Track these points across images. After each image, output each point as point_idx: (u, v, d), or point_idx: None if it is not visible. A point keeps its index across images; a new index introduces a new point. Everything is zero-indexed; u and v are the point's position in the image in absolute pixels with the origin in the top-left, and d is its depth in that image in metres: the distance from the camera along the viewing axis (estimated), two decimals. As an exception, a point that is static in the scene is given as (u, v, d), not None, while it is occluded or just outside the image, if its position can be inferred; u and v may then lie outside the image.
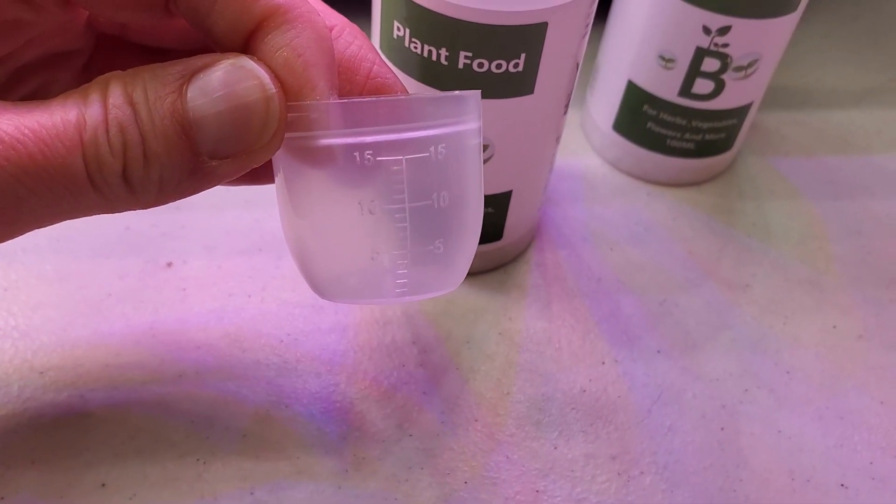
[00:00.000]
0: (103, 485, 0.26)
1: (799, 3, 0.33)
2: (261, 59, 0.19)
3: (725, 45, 0.33)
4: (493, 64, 0.26)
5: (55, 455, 0.27)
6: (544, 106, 0.28)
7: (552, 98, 0.28)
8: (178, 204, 0.34)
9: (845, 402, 0.31)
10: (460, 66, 0.26)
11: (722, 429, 0.30)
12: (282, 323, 0.31)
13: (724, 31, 0.33)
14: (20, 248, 0.32)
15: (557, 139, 0.31)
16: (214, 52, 0.20)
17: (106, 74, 0.19)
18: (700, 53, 0.34)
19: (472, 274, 0.34)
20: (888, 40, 0.50)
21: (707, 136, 0.37)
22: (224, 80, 0.19)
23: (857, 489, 0.29)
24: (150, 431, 0.27)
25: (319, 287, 0.22)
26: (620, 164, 0.39)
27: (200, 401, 0.28)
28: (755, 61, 0.34)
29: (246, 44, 0.20)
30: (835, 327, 0.34)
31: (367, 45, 0.22)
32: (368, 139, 0.20)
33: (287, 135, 0.20)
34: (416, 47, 0.26)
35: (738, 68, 0.34)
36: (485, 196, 0.30)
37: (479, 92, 0.21)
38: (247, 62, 0.19)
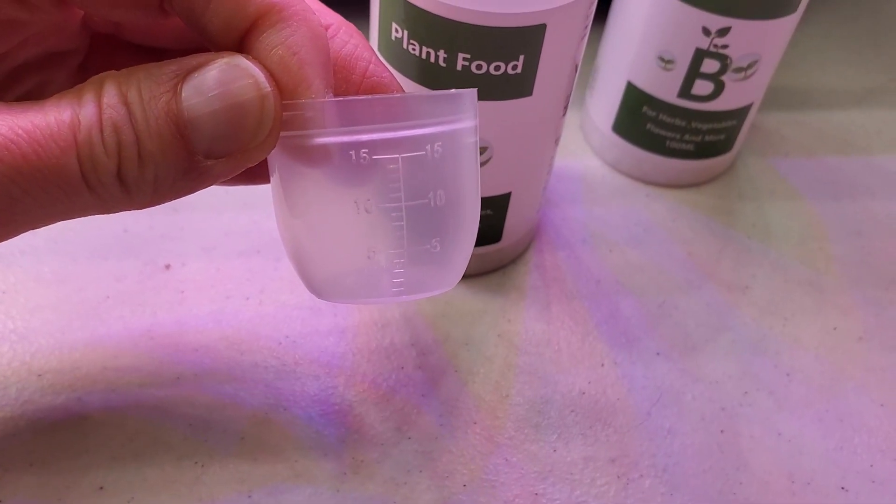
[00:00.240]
0: (101, 487, 0.26)
1: (798, 4, 0.33)
2: (256, 58, 0.19)
3: (725, 47, 0.33)
4: (492, 66, 0.26)
5: (53, 458, 0.26)
6: (543, 108, 0.28)
7: (551, 100, 0.28)
8: (176, 205, 0.34)
9: (845, 405, 0.31)
10: (459, 67, 0.26)
11: (721, 431, 0.30)
12: (280, 325, 0.31)
13: (723, 32, 0.33)
14: (18, 250, 0.32)
15: (556, 141, 0.31)
16: (209, 51, 0.20)
17: (100, 74, 0.19)
18: (699, 54, 0.34)
19: (470, 276, 0.34)
20: (888, 40, 0.50)
21: (707, 138, 0.37)
22: (219, 79, 0.18)
23: (857, 492, 0.29)
24: (148, 434, 0.27)
25: (316, 287, 0.22)
26: (620, 166, 0.39)
27: (198, 403, 0.28)
28: (755, 62, 0.34)
29: (241, 42, 0.19)
30: (835, 329, 0.34)
31: (363, 43, 0.22)
32: (364, 138, 0.20)
33: (282, 134, 0.20)
34: (414, 49, 0.26)
35: (738, 69, 0.34)
36: (484, 198, 0.30)
37: (475, 90, 0.21)
38: (241, 61, 0.19)
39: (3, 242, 0.19)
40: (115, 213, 0.20)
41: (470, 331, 0.32)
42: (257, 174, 0.23)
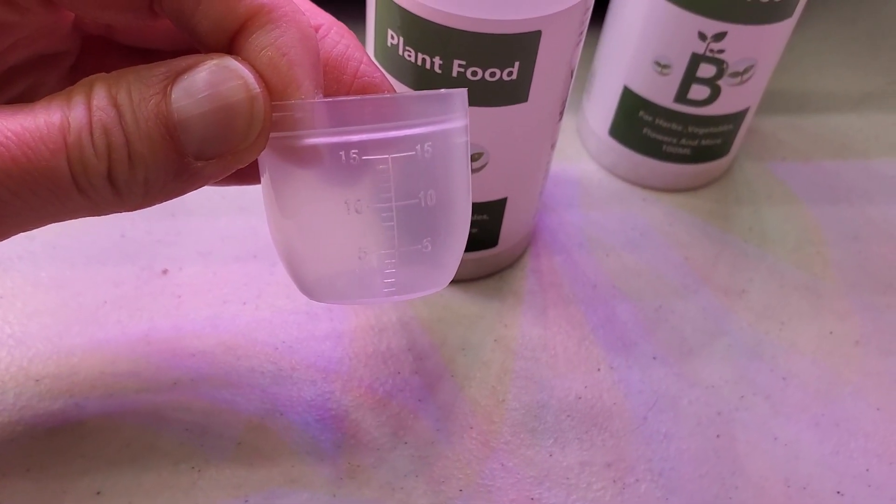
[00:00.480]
0: (98, 492, 0.26)
1: (795, 8, 0.33)
2: (245, 59, 0.19)
3: (721, 51, 0.33)
4: (487, 72, 0.26)
5: (50, 463, 0.27)
6: (539, 113, 0.28)
7: (547, 105, 0.28)
8: (173, 210, 0.34)
9: (842, 409, 0.31)
10: (454, 74, 0.26)
11: (718, 436, 0.30)
12: (276, 330, 0.31)
13: (719, 37, 0.33)
14: (16, 255, 0.32)
15: (552, 146, 0.31)
16: (200, 52, 0.20)
17: (90, 77, 0.19)
18: (696, 59, 0.34)
19: (467, 280, 0.34)
20: (886, 44, 0.50)
21: (703, 142, 0.37)
22: (208, 81, 0.19)
23: (854, 496, 0.28)
24: (145, 439, 0.27)
25: (307, 288, 0.22)
26: (616, 170, 0.39)
27: (195, 409, 0.28)
28: (751, 67, 0.34)
29: (230, 44, 0.20)
30: (832, 333, 0.34)
31: (354, 44, 0.22)
32: (354, 138, 0.20)
33: (272, 134, 0.20)
34: (409, 56, 0.26)
35: (734, 74, 0.34)
36: (480, 203, 0.30)
37: (465, 90, 0.21)
38: (231, 62, 0.19)
39: (0, 248, 0.19)
40: (105, 214, 0.20)
41: (467, 335, 0.32)
42: (248, 174, 0.23)
